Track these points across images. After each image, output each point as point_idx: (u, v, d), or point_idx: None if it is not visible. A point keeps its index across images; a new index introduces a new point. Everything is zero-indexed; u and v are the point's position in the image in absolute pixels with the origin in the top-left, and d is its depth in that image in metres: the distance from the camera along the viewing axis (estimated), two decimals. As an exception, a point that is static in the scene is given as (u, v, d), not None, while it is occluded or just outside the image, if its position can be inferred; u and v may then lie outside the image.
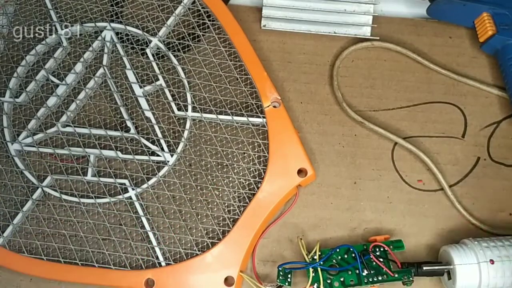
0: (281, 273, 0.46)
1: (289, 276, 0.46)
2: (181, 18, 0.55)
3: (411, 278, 0.45)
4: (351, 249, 0.47)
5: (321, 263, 0.46)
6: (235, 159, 0.51)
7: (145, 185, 0.50)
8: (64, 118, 0.52)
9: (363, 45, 0.55)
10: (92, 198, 0.50)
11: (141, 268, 0.48)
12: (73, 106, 0.52)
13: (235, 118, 0.51)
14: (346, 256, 0.47)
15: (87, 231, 0.50)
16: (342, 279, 0.46)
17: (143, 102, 0.52)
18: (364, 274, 0.46)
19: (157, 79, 0.52)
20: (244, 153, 0.51)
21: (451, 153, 0.53)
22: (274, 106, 0.51)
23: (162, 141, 0.51)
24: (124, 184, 0.50)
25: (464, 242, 0.47)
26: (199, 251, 0.48)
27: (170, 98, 0.52)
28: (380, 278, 0.45)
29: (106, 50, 0.53)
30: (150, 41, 0.53)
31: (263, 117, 0.51)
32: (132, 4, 0.55)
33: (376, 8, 0.56)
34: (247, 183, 0.51)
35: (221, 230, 0.49)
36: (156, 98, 0.53)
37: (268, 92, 0.51)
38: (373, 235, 0.49)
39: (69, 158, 0.51)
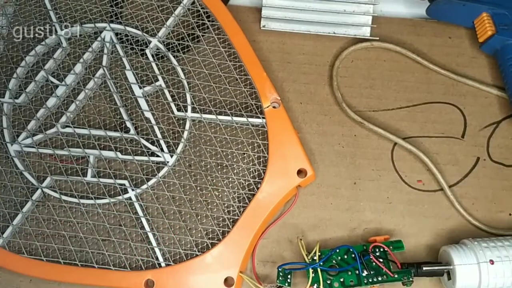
0: (281, 273, 0.46)
1: (289, 276, 0.46)
2: (181, 19, 0.55)
3: (411, 279, 0.45)
4: (351, 250, 0.47)
5: (321, 263, 0.46)
6: (234, 160, 0.51)
7: (144, 186, 0.50)
8: (63, 118, 0.52)
9: (362, 45, 0.55)
10: (92, 198, 0.50)
11: (141, 268, 0.48)
12: (72, 107, 0.52)
13: (235, 118, 0.51)
14: (346, 256, 0.47)
15: (86, 232, 0.50)
16: (342, 280, 0.46)
17: (142, 103, 0.52)
18: (364, 274, 0.46)
19: (157, 80, 0.52)
20: (244, 153, 0.51)
21: (451, 153, 0.53)
22: (274, 107, 0.51)
23: (161, 142, 0.51)
24: (124, 184, 0.50)
25: (464, 242, 0.47)
26: (199, 251, 0.48)
27: (169, 98, 0.52)
28: (380, 278, 0.45)
29: (105, 51, 0.53)
30: (150, 42, 0.53)
31: (263, 118, 0.51)
32: (132, 5, 0.55)
33: (375, 9, 0.56)
34: (246, 183, 0.51)
35: (220, 231, 0.49)
36: (156, 98, 0.53)
37: (268, 92, 0.51)
38: (373, 236, 0.49)
39: (69, 159, 0.51)
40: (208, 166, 0.51)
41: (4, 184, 0.51)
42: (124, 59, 0.53)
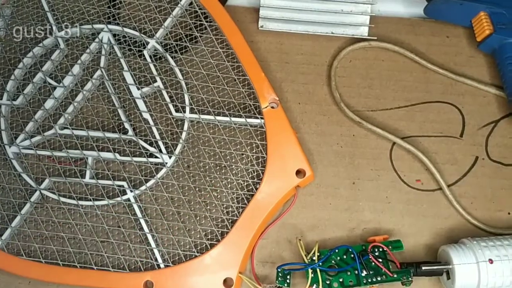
0: (280, 274, 0.46)
1: (288, 277, 0.46)
2: (179, 20, 0.55)
3: (410, 278, 0.45)
4: (350, 250, 0.47)
5: (320, 264, 0.46)
6: (233, 160, 0.51)
7: (143, 187, 0.50)
8: (61, 120, 0.52)
9: (360, 45, 0.55)
10: (90, 200, 0.50)
11: (139, 270, 0.48)
12: (70, 109, 0.52)
13: (233, 119, 0.51)
14: (345, 256, 0.47)
15: (85, 233, 0.50)
16: (341, 280, 0.46)
17: (140, 104, 0.52)
18: (363, 274, 0.46)
19: (155, 81, 0.52)
20: (242, 154, 0.51)
21: (449, 153, 0.53)
22: (272, 107, 0.51)
23: (160, 143, 0.51)
24: (123, 186, 0.50)
25: (463, 241, 0.47)
26: (197, 252, 0.48)
27: (168, 99, 0.52)
28: (379, 278, 0.45)
29: (103, 52, 0.53)
30: (148, 43, 0.53)
31: (261, 118, 0.51)
32: (129, 6, 0.55)
33: (373, 8, 0.56)
34: (245, 184, 0.51)
35: (219, 232, 0.49)
36: (154, 99, 0.53)
37: (266, 93, 0.51)
38: (372, 235, 0.49)
39: (67, 161, 0.51)
40: (207, 167, 0.51)
41: (2, 186, 0.51)
42: (122, 60, 0.53)
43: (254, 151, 0.51)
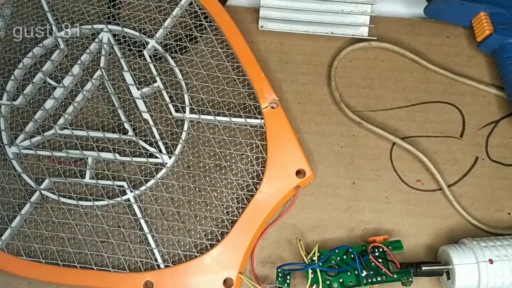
0: (280, 274, 0.46)
1: (288, 277, 0.46)
2: (178, 20, 0.54)
3: (410, 279, 0.45)
4: (350, 250, 0.47)
5: (320, 264, 0.46)
6: (233, 161, 0.51)
7: (143, 187, 0.50)
8: (61, 120, 0.52)
9: (360, 45, 0.55)
10: (90, 200, 0.50)
11: (139, 270, 0.48)
12: (70, 109, 0.52)
13: (233, 119, 0.51)
14: (345, 257, 0.47)
15: (85, 233, 0.50)
16: (341, 280, 0.46)
17: (140, 104, 0.52)
18: (363, 275, 0.46)
19: (155, 81, 0.52)
20: (242, 154, 0.51)
21: (450, 153, 0.53)
22: (272, 107, 0.51)
23: (160, 143, 0.51)
24: (122, 186, 0.50)
25: (463, 242, 0.47)
26: (197, 253, 0.48)
27: (167, 99, 0.52)
28: (379, 278, 0.45)
29: (103, 52, 0.53)
30: (148, 43, 0.53)
31: (261, 118, 0.51)
32: (129, 6, 0.55)
33: (373, 8, 0.56)
34: (245, 184, 0.51)
35: (219, 232, 0.49)
36: (154, 100, 0.53)
37: (266, 93, 0.51)
38: (372, 236, 0.49)
39: (67, 161, 0.51)
40: (207, 167, 0.51)
41: (2, 187, 0.51)
42: (122, 61, 0.53)
43: (254, 151, 0.51)
